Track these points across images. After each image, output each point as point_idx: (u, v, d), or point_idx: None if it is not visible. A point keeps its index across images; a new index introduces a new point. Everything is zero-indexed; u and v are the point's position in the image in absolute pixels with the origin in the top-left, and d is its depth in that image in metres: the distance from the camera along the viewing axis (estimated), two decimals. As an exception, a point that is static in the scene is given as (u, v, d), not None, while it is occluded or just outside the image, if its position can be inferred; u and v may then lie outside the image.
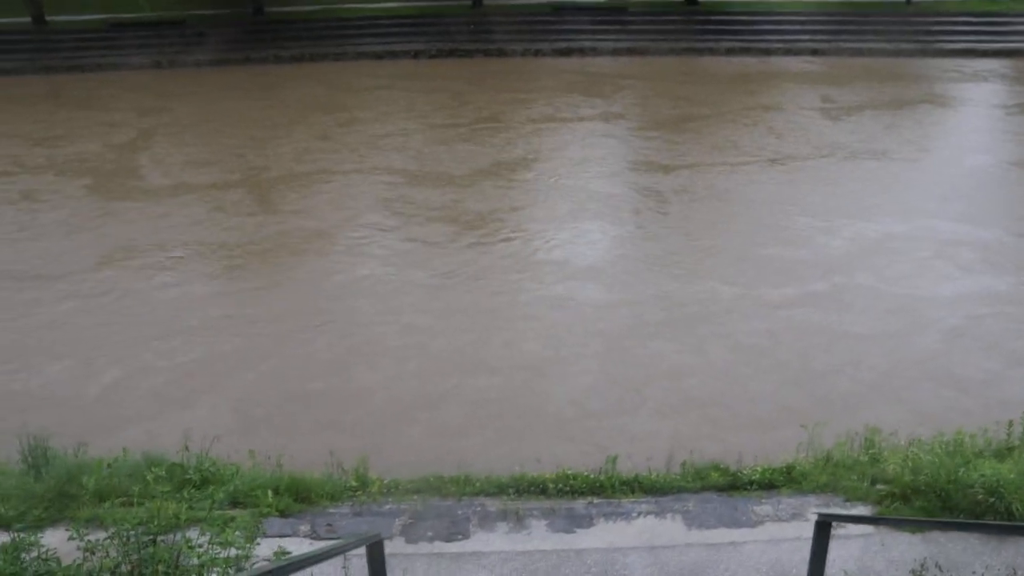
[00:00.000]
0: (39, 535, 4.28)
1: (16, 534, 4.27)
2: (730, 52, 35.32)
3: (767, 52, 35.15)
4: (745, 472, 8.52)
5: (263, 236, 18.23)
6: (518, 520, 7.83)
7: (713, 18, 37.51)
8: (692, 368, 12.84)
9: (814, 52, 35.03)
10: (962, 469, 7.71)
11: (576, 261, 16.66)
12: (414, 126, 25.81)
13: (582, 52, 35.63)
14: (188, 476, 8.03)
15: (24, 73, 35.66)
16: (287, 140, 24.71)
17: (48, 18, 38.61)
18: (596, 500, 8.18)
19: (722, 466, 8.74)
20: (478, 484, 8.50)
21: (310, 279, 16.43)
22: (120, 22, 38.31)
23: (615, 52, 35.49)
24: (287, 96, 30.05)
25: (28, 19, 38.33)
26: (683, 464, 8.88)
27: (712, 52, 35.39)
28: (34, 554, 4.20)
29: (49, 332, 14.34)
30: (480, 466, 9.11)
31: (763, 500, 8.09)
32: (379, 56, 35.75)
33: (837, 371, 12.65)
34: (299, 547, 7.14)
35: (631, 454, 9.38)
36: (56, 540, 6.15)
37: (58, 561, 4.27)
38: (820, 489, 8.20)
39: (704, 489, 8.38)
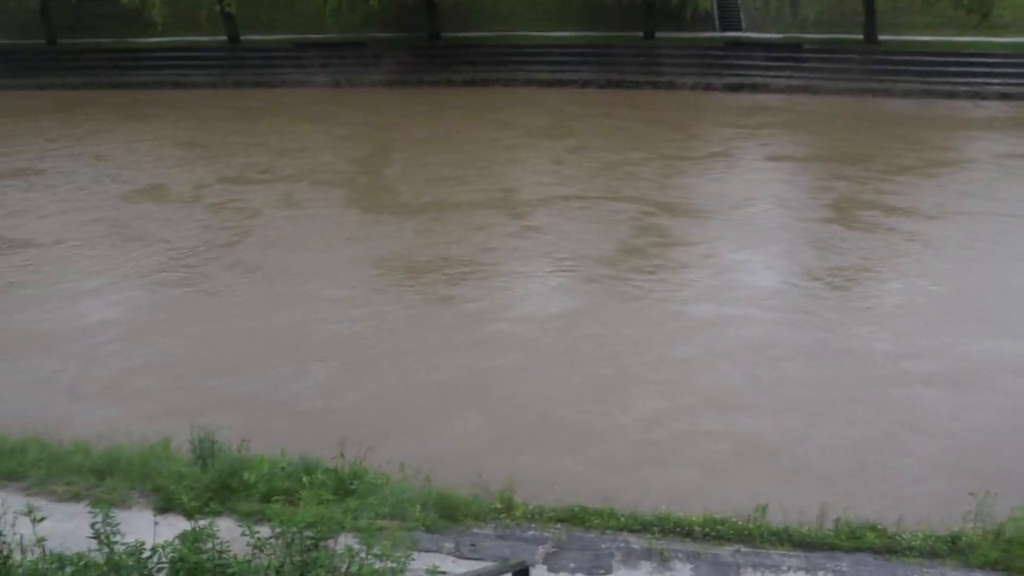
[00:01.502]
0: (215, 526, 4.50)
1: (196, 524, 4.52)
2: (908, 94, 33.86)
3: (950, 95, 33.45)
4: (905, 536, 8.06)
5: (530, 254, 18.30)
6: (663, 561, 7.68)
7: (893, 58, 36.05)
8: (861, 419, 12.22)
9: (1003, 97, 33.12)
10: None
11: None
12: (643, 155, 25.83)
13: (753, 88, 35.03)
14: (343, 482, 8.28)
15: (216, 87, 38.30)
16: (521, 164, 25.24)
17: (242, 37, 41.18)
18: (743, 549, 7.93)
19: (879, 527, 8.31)
20: (622, 519, 8.40)
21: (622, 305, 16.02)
22: (306, 42, 40.45)
23: (788, 89, 34.70)
24: (506, 118, 31.10)
25: (225, 38, 41.00)
26: (836, 520, 8.49)
27: (889, 93, 34.03)
28: (209, 545, 4.45)
29: (322, 345, 14.55)
30: (625, 500, 9.01)
31: (925, 569, 7.62)
32: (548, 84, 36.30)
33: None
34: (443, 563, 7.23)
35: (781, 502, 9.08)
36: (220, 527, 6.52)
37: (235, 557, 4.49)
38: (990, 565, 7.65)
39: (858, 550, 7.99)
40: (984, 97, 33.15)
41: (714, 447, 11.41)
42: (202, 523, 4.59)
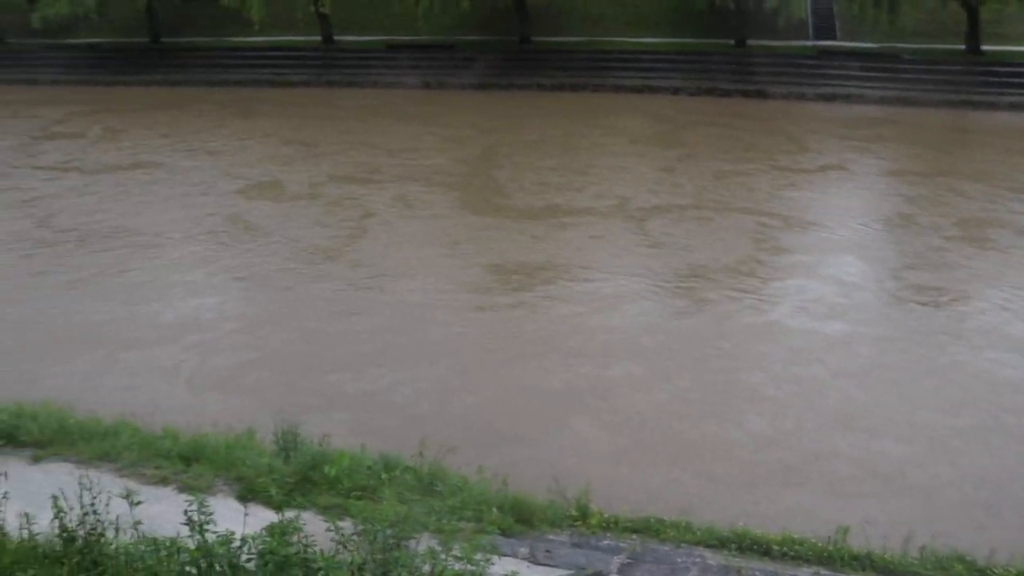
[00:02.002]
0: (302, 520, 4.61)
1: (283, 516, 4.64)
2: (1015, 107, 32.63)
3: (1059, 110, 32.19)
4: (996, 570, 7.77)
5: (650, 264, 18.05)
6: (739, 579, 7.58)
7: (998, 69, 34.77)
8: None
9: (1116, 113, 31.71)
10: None
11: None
12: (754, 165, 25.47)
13: (847, 99, 34.21)
14: (423, 481, 8.38)
15: (310, 85, 39.17)
16: (631, 171, 25.13)
17: (336, 37, 42.00)
18: (823, 571, 7.77)
19: (967, 558, 8.04)
20: (698, 533, 8.31)
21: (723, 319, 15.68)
22: (397, 43, 41.04)
23: (883, 101, 33.78)
24: (609, 124, 31.21)
25: (319, 38, 41.88)
26: (922, 548, 8.25)
27: (994, 106, 32.85)
28: (295, 538, 4.56)
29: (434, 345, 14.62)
30: (701, 514, 8.91)
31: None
32: (638, 90, 36.10)
33: None
34: (519, 569, 7.26)
35: (865, 525, 8.88)
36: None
37: (321, 552, 4.59)
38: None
39: (945, 580, 7.76)
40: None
41: (830, 468, 11.10)
42: (289, 515, 4.69)
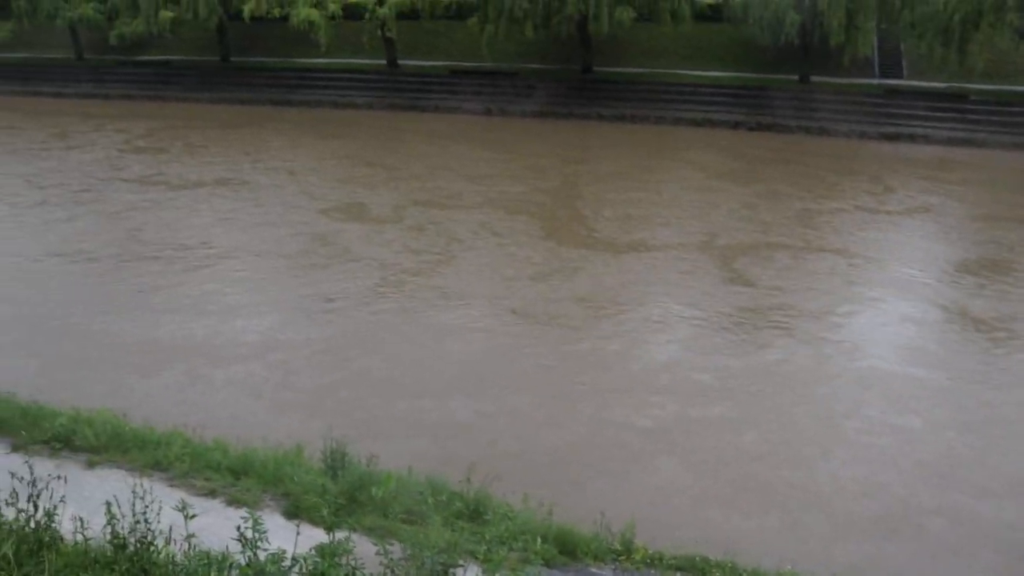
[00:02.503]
0: (351, 542, 4.63)
1: (333, 537, 4.65)
2: (1085, 153, 31.91)
3: None
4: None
5: (742, 303, 17.80)
6: (783, 623, 7.43)
7: (1069, 114, 34.06)
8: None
9: None
10: None
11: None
12: (837, 204, 25.40)
13: (912, 138, 33.75)
14: (469, 508, 8.36)
15: (373, 108, 39.77)
16: (715, 206, 24.90)
17: (400, 62, 42.63)
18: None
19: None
20: (744, 574, 8.17)
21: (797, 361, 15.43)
22: (461, 69, 41.50)
23: (949, 141, 33.23)
24: (682, 156, 31.36)
25: (384, 62, 42.55)
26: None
27: (1063, 150, 32.16)
28: (344, 560, 4.58)
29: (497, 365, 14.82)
30: (747, 556, 8.76)
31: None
32: (698, 123, 36.03)
33: None
34: (560, 600, 7.20)
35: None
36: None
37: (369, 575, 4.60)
38: None
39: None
40: None
41: (927, 523, 10.80)
42: (339, 536, 4.71)
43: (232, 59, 45.68)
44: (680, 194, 26.46)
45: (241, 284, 18.51)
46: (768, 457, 12.14)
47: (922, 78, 37.84)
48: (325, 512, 6.51)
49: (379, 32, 40.66)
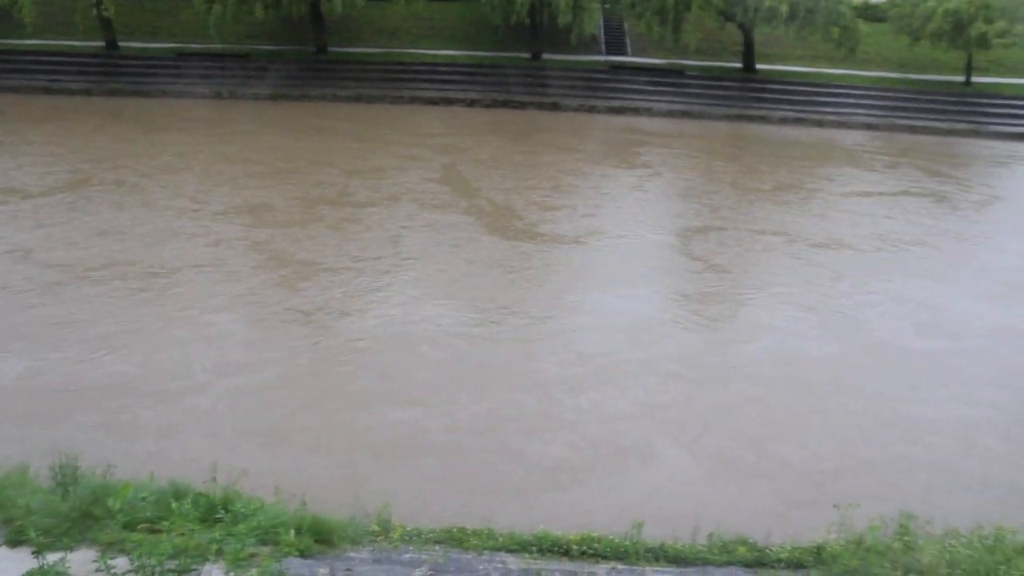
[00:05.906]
0: (67, 562, 4.25)
1: (44, 560, 4.26)
2: (783, 121, 35.42)
3: (820, 124, 35.20)
4: (773, 549, 8.32)
5: (721, 288, 17.77)
6: (539, 580, 7.69)
7: (770, 87, 37.64)
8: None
9: (868, 127, 34.98)
10: (1003, 567, 7.42)
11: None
12: (716, 187, 25.95)
13: (636, 111, 35.91)
14: (214, 508, 8.00)
15: (91, 94, 36.75)
16: (594, 188, 25.07)
17: (120, 44, 39.76)
18: (619, 566, 8.02)
19: (749, 541, 8.55)
20: (500, 540, 8.38)
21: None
22: (187, 52, 39.36)
23: (669, 114, 35.72)
24: (544, 139, 31.38)
25: (102, 44, 39.51)
26: (710, 536, 8.70)
27: (765, 120, 35.51)
28: (58, 580, 4.21)
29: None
30: (503, 521, 9.01)
31: (790, 578, 7.87)
32: (434, 102, 36.35)
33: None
34: (317, 590, 7.06)
35: (659, 520, 9.25)
36: (76, 560, 6.17)
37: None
38: (850, 574, 7.96)
39: (730, 563, 8.20)
40: (849, 127, 35.01)
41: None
42: (52, 559, 4.32)
43: None
44: (568, 178, 26.18)
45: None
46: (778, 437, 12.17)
47: (644, 55, 40.36)
48: (32, 534, 5.96)
49: (94, 11, 37.61)
